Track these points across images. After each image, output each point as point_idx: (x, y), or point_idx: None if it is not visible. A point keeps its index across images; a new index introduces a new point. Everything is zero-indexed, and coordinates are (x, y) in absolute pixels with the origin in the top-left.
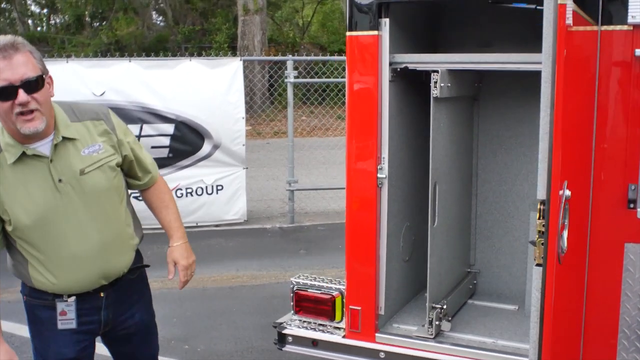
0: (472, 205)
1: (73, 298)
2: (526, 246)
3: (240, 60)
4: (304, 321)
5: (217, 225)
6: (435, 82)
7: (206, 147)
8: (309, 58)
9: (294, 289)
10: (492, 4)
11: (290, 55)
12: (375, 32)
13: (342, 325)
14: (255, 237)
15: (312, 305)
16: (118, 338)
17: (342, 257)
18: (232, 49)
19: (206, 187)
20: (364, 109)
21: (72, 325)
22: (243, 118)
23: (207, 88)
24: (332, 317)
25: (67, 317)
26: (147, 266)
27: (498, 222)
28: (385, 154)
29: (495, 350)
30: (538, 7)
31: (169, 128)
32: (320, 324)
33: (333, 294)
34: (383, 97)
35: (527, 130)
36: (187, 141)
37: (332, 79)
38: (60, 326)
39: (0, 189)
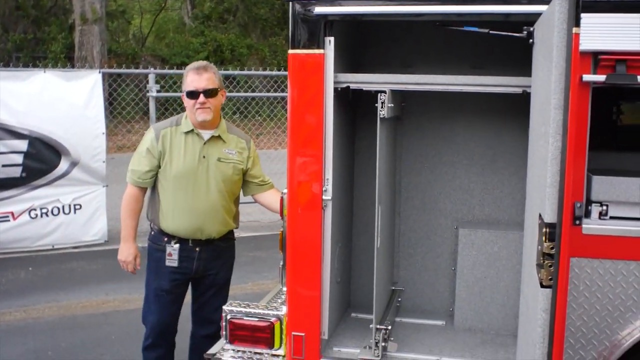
0: (395, 224)
1: (177, 245)
2: (449, 263)
3: (99, 72)
4: (239, 350)
5: (75, 247)
6: (383, 103)
7: (63, 165)
8: (171, 72)
9: (228, 317)
10: (440, 26)
11: (151, 68)
12: (320, 51)
13: (281, 352)
14: None
15: (248, 334)
16: (202, 286)
17: (261, 272)
18: (69, 59)
19: (63, 207)
20: (309, 129)
21: (175, 263)
22: (103, 134)
23: (63, 102)
24: (270, 345)
25: (172, 257)
26: (234, 239)
27: (421, 240)
28: (329, 175)
29: None
30: (491, 32)
31: (22, 145)
32: (256, 352)
33: (271, 320)
34: (327, 118)
35: (449, 149)
36: (42, 159)
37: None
38: (167, 263)
39: (172, 146)
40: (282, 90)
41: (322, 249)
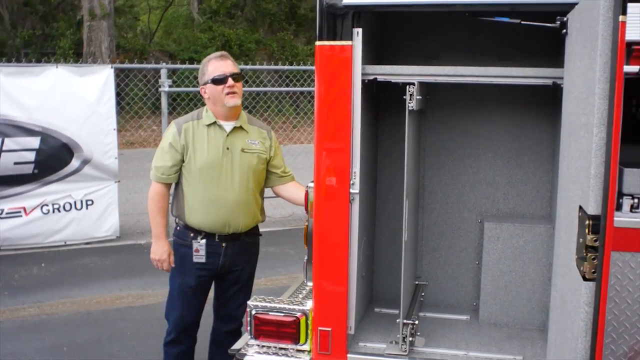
0: (418, 217)
1: (204, 240)
2: (474, 257)
3: (112, 68)
4: (264, 346)
5: (87, 243)
6: (411, 95)
7: (75, 161)
8: (183, 67)
9: (252, 312)
10: (470, 17)
11: (164, 63)
12: (348, 42)
13: (307, 347)
14: (131, 254)
15: (274, 329)
16: (226, 282)
17: None
18: (77, 55)
19: (75, 203)
20: (336, 122)
21: (202, 259)
22: (114, 130)
23: (75, 98)
24: (296, 340)
25: (199, 253)
26: (260, 235)
27: (445, 234)
28: (357, 168)
29: None
30: (523, 23)
31: (34, 142)
32: (281, 348)
33: (297, 315)
34: (355, 111)
35: (473, 142)
36: (54, 155)
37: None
38: (194, 259)
39: (195, 140)
40: (290, 85)
41: (349, 243)
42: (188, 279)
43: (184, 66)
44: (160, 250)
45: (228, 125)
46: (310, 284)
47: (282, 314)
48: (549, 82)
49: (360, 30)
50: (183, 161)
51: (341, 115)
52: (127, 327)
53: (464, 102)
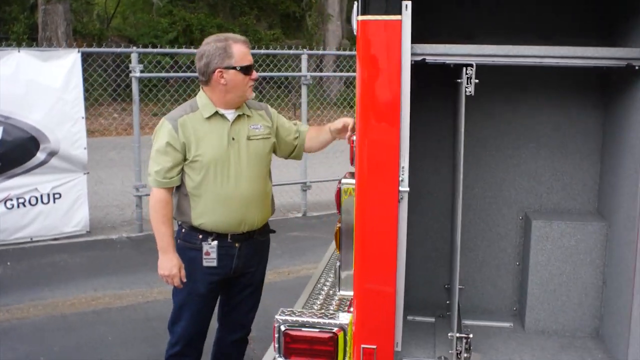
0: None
1: (215, 242)
2: (514, 257)
3: (79, 52)
4: None
5: (55, 239)
6: (469, 78)
7: (41, 153)
8: (155, 50)
9: (282, 328)
10: None
11: (134, 47)
12: (397, 17)
13: None
14: (103, 249)
15: (307, 347)
16: (236, 286)
17: None
18: (32, 40)
19: (41, 196)
20: (384, 110)
21: (214, 263)
22: (83, 118)
23: (39, 84)
24: (335, 359)
25: (210, 256)
26: (274, 231)
27: (482, 232)
28: (405, 162)
29: None
30: None
31: None
32: None
33: (334, 330)
34: (404, 97)
35: (513, 131)
36: (18, 146)
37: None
38: (204, 263)
39: (195, 134)
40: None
41: (397, 248)
42: (197, 286)
43: (155, 50)
44: (170, 265)
45: (230, 114)
46: (344, 293)
47: (318, 330)
48: (622, 63)
49: (409, 3)
50: (185, 160)
51: (390, 102)
52: (108, 331)
53: (504, 86)
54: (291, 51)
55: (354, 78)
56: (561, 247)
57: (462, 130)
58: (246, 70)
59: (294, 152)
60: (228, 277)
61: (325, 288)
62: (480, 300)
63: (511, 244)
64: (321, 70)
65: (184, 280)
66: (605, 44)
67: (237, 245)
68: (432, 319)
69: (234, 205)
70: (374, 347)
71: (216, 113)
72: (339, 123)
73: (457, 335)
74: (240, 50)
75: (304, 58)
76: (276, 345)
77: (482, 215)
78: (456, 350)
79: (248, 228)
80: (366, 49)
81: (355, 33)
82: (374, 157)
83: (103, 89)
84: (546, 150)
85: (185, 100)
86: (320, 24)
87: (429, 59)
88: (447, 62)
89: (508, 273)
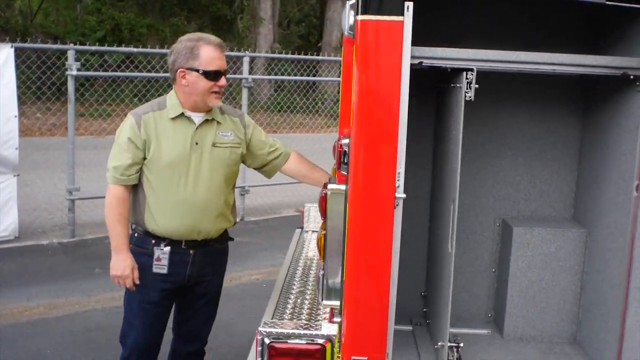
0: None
1: (168, 248)
2: (489, 264)
3: (12, 47)
4: None
5: None
6: (470, 83)
7: None
8: (93, 48)
9: (266, 341)
10: None
11: (71, 44)
12: (400, 18)
13: None
14: (33, 256)
15: (294, 359)
16: (191, 295)
17: None
18: None
19: None
20: (382, 114)
21: (164, 270)
22: (15, 116)
23: None
24: None
25: (161, 263)
26: (232, 239)
27: (458, 240)
28: (401, 168)
29: None
30: (608, 2)
31: None
32: None
33: (321, 342)
34: (402, 101)
35: (493, 138)
36: None
37: (119, 73)
38: (154, 269)
39: (157, 133)
40: None
41: (391, 256)
42: (149, 294)
43: (94, 48)
44: (122, 265)
45: (197, 117)
46: (329, 302)
47: (304, 342)
48: (618, 72)
49: (411, 4)
50: (144, 158)
51: (388, 106)
52: (45, 344)
53: (485, 93)
54: (233, 53)
55: (288, 82)
56: (541, 253)
57: (460, 136)
58: (210, 75)
59: (265, 167)
60: (182, 285)
61: (292, 297)
62: (455, 307)
63: (487, 250)
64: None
65: (137, 282)
66: (586, 52)
67: (191, 252)
68: (410, 327)
69: (189, 211)
70: (365, 358)
71: (182, 115)
72: None
73: (449, 344)
74: (208, 54)
75: (246, 61)
76: (259, 359)
77: (459, 222)
78: (448, 359)
79: (204, 236)
80: (365, 51)
81: (345, 33)
82: (370, 163)
83: (27, 86)
84: (525, 158)
85: (114, 101)
86: (251, 27)
87: (427, 62)
88: (447, 66)
89: (484, 280)
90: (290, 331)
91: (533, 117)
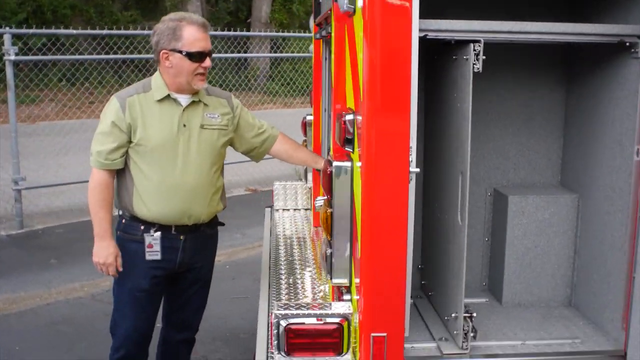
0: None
1: (158, 234)
2: (482, 234)
3: None
4: None
5: None
6: (477, 55)
7: None
8: (31, 31)
9: (282, 324)
10: None
11: (7, 28)
12: None
13: (348, 357)
14: None
15: (310, 341)
16: (183, 282)
17: None
18: None
19: None
20: (394, 88)
21: (157, 256)
22: None
23: None
24: (339, 351)
25: (153, 249)
26: (223, 224)
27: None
28: (414, 142)
29: (536, 354)
30: None
31: None
32: None
33: (337, 320)
34: (413, 75)
35: (481, 108)
36: None
37: (70, 56)
38: (147, 257)
39: (144, 116)
40: (111, 53)
41: (407, 231)
42: (140, 282)
43: (32, 30)
44: (105, 252)
45: (184, 99)
46: (338, 281)
47: (322, 322)
48: (615, 40)
49: None
50: (130, 142)
51: (400, 80)
52: (12, 341)
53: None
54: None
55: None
56: (536, 220)
57: (470, 109)
58: (194, 57)
59: (253, 152)
60: (173, 272)
61: (283, 277)
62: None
63: (480, 220)
64: None
65: (120, 269)
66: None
67: (182, 237)
68: (411, 301)
69: (179, 195)
70: (384, 334)
71: (168, 96)
72: None
73: (464, 315)
74: (191, 34)
75: None
76: (275, 342)
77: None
78: (463, 330)
79: (194, 221)
80: (374, 24)
81: (342, 9)
82: (384, 137)
83: None
84: (514, 127)
85: (37, 86)
86: (179, 5)
87: (431, 35)
88: (452, 38)
89: (477, 249)
90: (305, 311)
91: (521, 85)
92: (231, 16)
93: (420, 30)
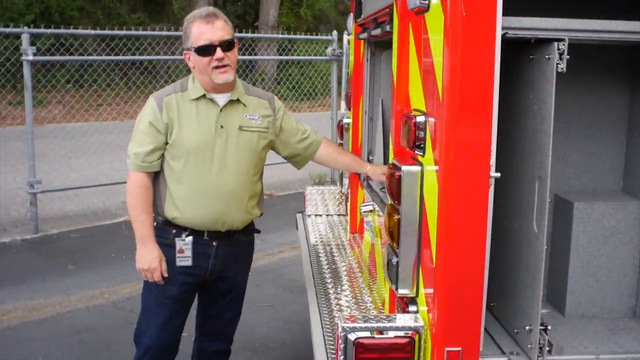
0: None
1: (190, 238)
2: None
3: None
4: None
5: None
6: (561, 54)
7: None
8: (49, 31)
9: (351, 337)
10: None
11: (25, 27)
12: None
13: None
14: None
15: (380, 356)
16: (216, 291)
17: (122, 268)
18: None
19: None
20: (476, 88)
21: (189, 262)
22: None
23: None
24: None
25: (184, 255)
26: (259, 231)
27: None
28: (493, 145)
29: None
30: None
31: None
32: None
33: (409, 334)
34: (496, 74)
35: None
36: None
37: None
38: (178, 262)
39: (180, 116)
40: (123, 55)
41: (486, 239)
42: (169, 288)
43: (50, 30)
44: (149, 257)
45: (221, 98)
46: (404, 292)
47: (393, 335)
48: None
49: None
50: (167, 143)
51: (483, 80)
52: (34, 349)
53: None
54: (169, 33)
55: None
56: (602, 228)
57: (552, 111)
58: (203, 51)
59: (296, 158)
60: (204, 280)
61: (330, 288)
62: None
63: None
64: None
65: (165, 275)
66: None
67: (214, 244)
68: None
69: (214, 200)
70: (459, 349)
71: (204, 96)
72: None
73: (540, 327)
74: (197, 29)
75: None
76: (341, 357)
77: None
78: (539, 343)
79: (228, 227)
80: (455, 20)
81: (414, 5)
82: (464, 141)
83: None
84: (576, 130)
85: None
86: (186, 8)
87: (512, 33)
88: (533, 36)
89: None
90: (374, 324)
91: (583, 87)
92: (238, 19)
93: (505, 27)
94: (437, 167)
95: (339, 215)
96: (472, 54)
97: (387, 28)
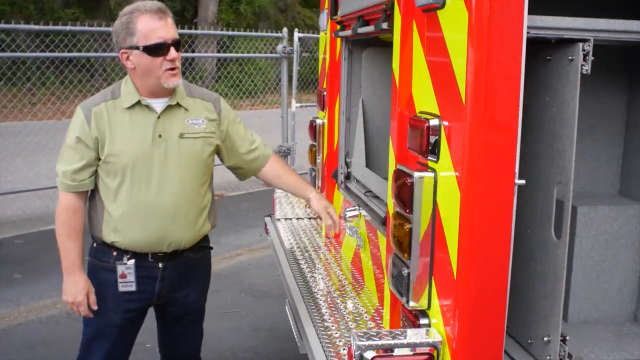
0: None
1: (132, 261)
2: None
3: None
4: None
5: None
6: (586, 55)
7: None
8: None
9: (368, 356)
10: None
11: None
12: None
13: None
14: None
15: None
16: (168, 315)
17: None
18: None
19: None
20: (501, 92)
21: (132, 287)
22: None
23: None
24: None
25: (127, 279)
26: (211, 248)
27: None
28: (517, 151)
29: None
30: None
31: None
32: None
33: (427, 350)
34: (521, 77)
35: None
36: None
37: (18, 53)
38: (120, 288)
39: (111, 127)
40: (59, 51)
41: (510, 248)
42: (112, 316)
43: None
44: (75, 289)
45: (158, 104)
46: (414, 304)
47: (410, 352)
48: None
49: None
50: (99, 159)
51: (509, 83)
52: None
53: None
54: (104, 28)
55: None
56: (605, 232)
57: (576, 115)
58: (153, 50)
59: (241, 170)
60: (150, 305)
61: (321, 299)
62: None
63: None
64: None
65: (94, 307)
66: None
67: (160, 265)
68: None
69: (155, 219)
70: None
71: (139, 102)
72: (327, 217)
73: (561, 338)
74: (145, 24)
75: None
76: None
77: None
78: (559, 355)
79: (174, 247)
80: (482, 22)
81: (422, 2)
82: (488, 147)
83: None
84: (578, 134)
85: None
86: (123, 4)
87: (533, 32)
88: (564, 37)
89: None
90: (390, 341)
91: (583, 89)
92: (177, 15)
93: (529, 27)
94: (457, 174)
95: (309, 218)
96: (500, 54)
97: (384, 26)
